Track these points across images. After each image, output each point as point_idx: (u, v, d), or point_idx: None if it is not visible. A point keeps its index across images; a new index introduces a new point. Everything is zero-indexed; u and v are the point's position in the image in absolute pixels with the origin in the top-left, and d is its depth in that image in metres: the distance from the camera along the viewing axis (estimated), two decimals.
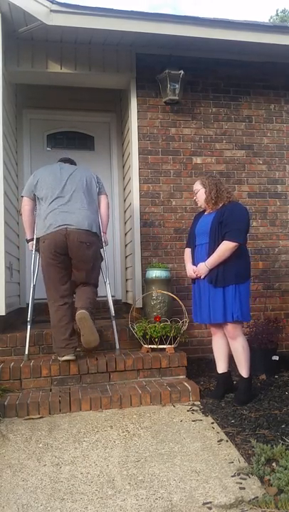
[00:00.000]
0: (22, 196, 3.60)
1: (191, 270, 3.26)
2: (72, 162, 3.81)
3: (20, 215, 3.68)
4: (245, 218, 3.11)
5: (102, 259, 3.65)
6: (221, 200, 3.17)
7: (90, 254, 3.38)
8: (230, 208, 3.12)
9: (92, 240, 3.40)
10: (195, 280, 3.26)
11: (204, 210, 3.35)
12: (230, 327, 3.09)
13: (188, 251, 3.38)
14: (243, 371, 3.12)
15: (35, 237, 3.55)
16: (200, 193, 3.26)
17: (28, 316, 3.52)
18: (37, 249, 3.54)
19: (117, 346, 3.60)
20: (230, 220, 3.06)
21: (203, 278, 3.14)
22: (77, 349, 3.42)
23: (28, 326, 3.49)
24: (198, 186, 3.29)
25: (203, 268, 3.12)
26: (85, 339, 3.24)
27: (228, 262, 3.05)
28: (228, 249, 3.02)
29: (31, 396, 3.04)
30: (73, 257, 3.35)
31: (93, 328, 3.25)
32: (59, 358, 3.31)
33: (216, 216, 3.13)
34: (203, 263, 3.11)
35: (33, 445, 2.51)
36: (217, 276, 3.06)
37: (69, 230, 3.30)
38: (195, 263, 3.24)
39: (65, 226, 3.30)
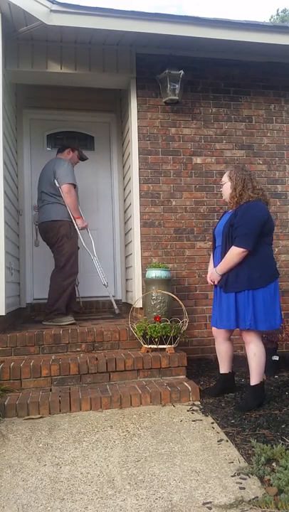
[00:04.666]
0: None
1: (208, 275, 3.20)
2: (59, 150, 4.55)
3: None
4: (257, 221, 2.91)
5: (68, 241, 4.20)
6: (244, 198, 2.99)
7: (49, 237, 4.26)
8: (243, 209, 2.95)
9: (50, 227, 4.21)
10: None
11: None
12: (243, 332, 3.01)
13: (212, 252, 3.31)
14: (252, 378, 3.01)
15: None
16: (225, 186, 3.09)
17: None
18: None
19: (115, 307, 4.54)
20: (240, 222, 2.91)
21: (218, 284, 3.07)
22: (77, 349, 3.58)
23: None
24: (225, 178, 3.11)
25: (214, 274, 3.06)
26: None
27: (240, 265, 2.92)
28: (235, 255, 2.90)
29: (31, 396, 3.04)
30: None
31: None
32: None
33: (230, 217, 3.01)
34: (215, 269, 3.05)
35: (33, 445, 2.51)
36: (227, 281, 2.97)
37: (39, 226, 4.39)
38: (215, 266, 3.12)
39: (37, 223, 4.45)
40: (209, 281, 3.18)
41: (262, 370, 3.01)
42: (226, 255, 2.96)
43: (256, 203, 3.00)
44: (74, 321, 4.07)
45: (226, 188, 3.10)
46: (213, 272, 3.08)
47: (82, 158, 4.63)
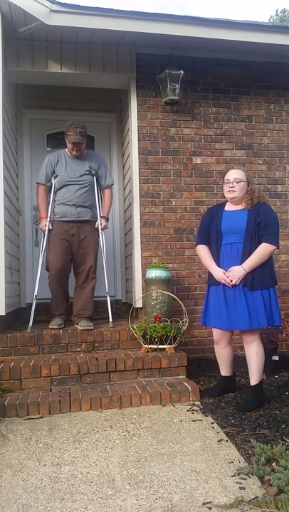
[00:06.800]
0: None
1: (220, 273, 2.97)
2: None
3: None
4: (278, 221, 3.03)
5: (49, 240, 4.02)
6: (256, 199, 3.04)
7: None
8: (264, 209, 3.00)
9: None
10: (213, 282, 3.06)
11: (222, 205, 3.17)
12: (246, 332, 2.98)
13: (205, 249, 3.14)
14: (252, 378, 3.01)
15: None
16: (242, 185, 3.02)
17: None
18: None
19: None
20: (269, 221, 2.95)
21: (239, 283, 2.93)
22: (77, 349, 3.58)
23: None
24: (242, 176, 3.04)
25: (240, 271, 2.90)
26: None
27: (264, 263, 2.94)
28: (269, 252, 2.91)
29: (31, 396, 3.04)
30: None
31: None
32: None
33: (250, 215, 2.97)
34: (240, 266, 2.90)
35: (33, 445, 2.51)
36: (253, 279, 2.91)
37: None
38: (221, 264, 3.02)
39: None
40: (225, 279, 2.95)
41: (262, 370, 3.02)
42: (258, 253, 2.90)
43: (269, 205, 3.13)
44: (56, 327, 3.77)
45: (242, 187, 3.02)
46: (238, 270, 2.90)
47: (73, 142, 3.96)
